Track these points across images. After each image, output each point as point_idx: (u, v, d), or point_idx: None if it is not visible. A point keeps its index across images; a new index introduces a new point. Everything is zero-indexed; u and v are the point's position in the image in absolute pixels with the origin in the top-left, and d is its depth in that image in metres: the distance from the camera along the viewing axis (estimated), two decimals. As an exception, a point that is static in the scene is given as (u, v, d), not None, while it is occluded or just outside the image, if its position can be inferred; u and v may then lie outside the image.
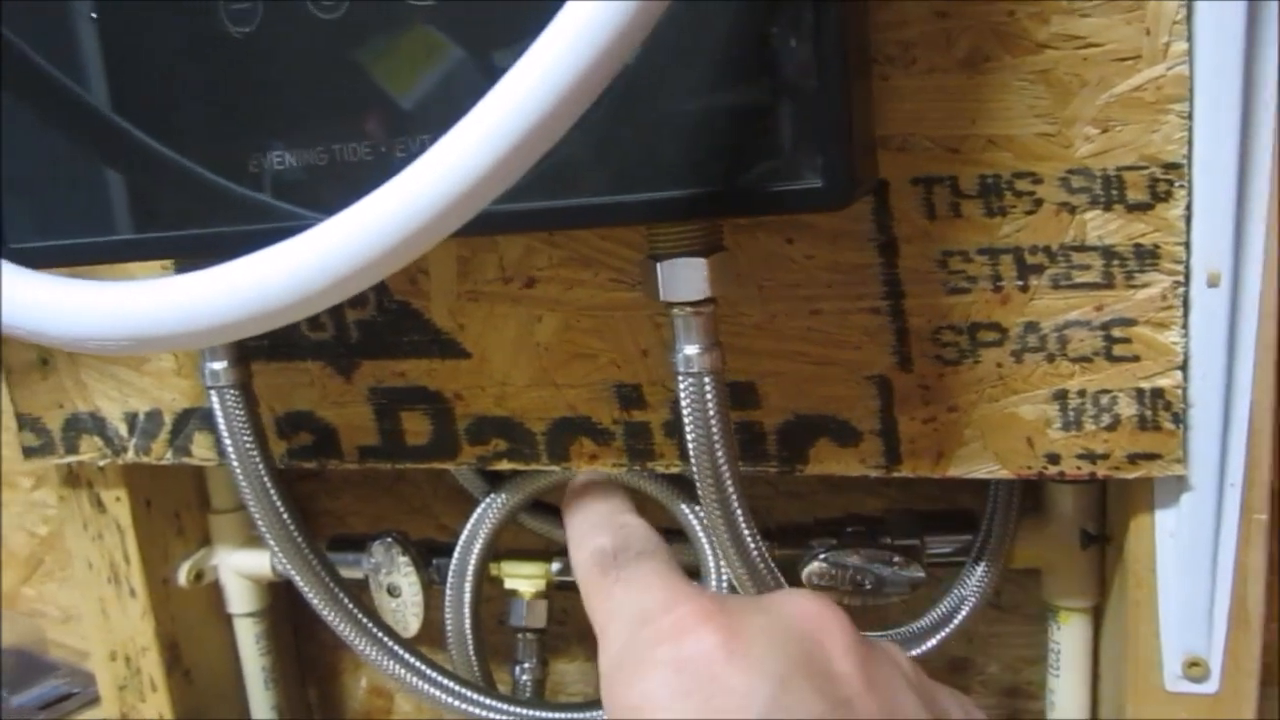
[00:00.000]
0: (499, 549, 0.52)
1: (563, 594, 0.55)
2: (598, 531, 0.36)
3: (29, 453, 0.53)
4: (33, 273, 0.27)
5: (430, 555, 0.54)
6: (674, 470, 0.43)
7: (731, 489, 0.36)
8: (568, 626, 0.60)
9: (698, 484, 0.36)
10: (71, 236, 0.37)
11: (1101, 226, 0.36)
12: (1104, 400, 0.38)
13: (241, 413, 0.41)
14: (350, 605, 0.45)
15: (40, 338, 0.26)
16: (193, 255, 0.36)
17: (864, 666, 0.29)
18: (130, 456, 0.51)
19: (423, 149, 0.31)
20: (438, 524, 0.61)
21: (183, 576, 0.57)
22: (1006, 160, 0.36)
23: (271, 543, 0.43)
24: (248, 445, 0.42)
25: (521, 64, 0.24)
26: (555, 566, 0.53)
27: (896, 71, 0.36)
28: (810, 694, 0.27)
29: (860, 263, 0.38)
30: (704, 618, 0.29)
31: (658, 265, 0.34)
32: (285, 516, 0.42)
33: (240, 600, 0.59)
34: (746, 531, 0.37)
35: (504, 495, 0.48)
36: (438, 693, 0.45)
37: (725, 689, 0.27)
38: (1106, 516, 0.46)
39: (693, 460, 0.36)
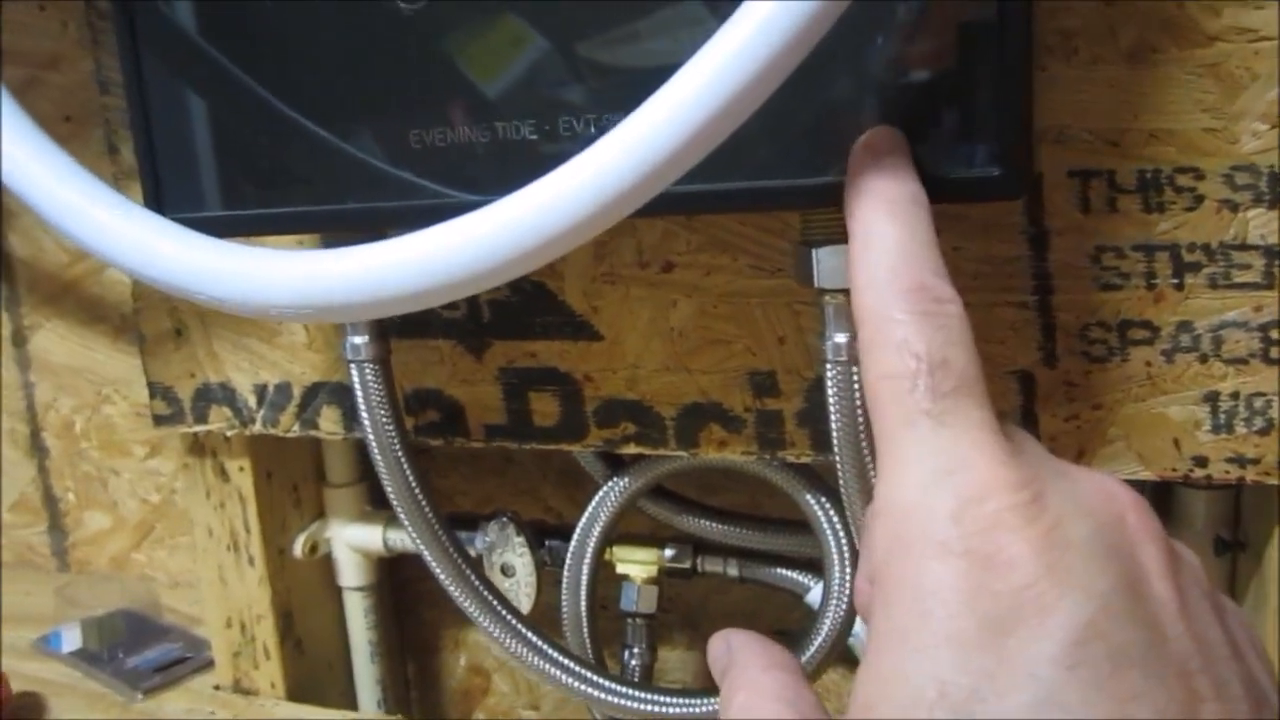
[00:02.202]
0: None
1: (672, 580, 0.55)
2: (905, 320, 0.27)
3: (159, 420, 0.54)
4: (218, 241, 0.28)
5: (540, 537, 0.55)
6: (804, 459, 0.43)
7: (874, 478, 0.36)
8: (672, 614, 0.60)
9: (839, 473, 0.36)
10: (229, 208, 0.38)
11: (1264, 225, 0.35)
12: (1258, 404, 0.37)
13: (380, 387, 0.42)
14: (476, 582, 0.45)
15: (225, 305, 0.27)
16: (351, 229, 0.37)
17: (1179, 588, 0.25)
18: (258, 428, 0.52)
19: (589, 129, 0.31)
20: (545, 506, 0.62)
21: (299, 548, 0.58)
22: (1169, 155, 0.36)
23: (403, 516, 0.44)
24: (384, 420, 0.42)
25: (716, 40, 0.24)
26: (668, 553, 0.53)
27: (1056, 62, 0.36)
28: (1128, 622, 0.24)
29: (1009, 255, 0.38)
30: (1026, 520, 0.25)
31: (814, 251, 0.34)
32: (417, 492, 0.43)
33: (351, 574, 0.60)
34: (887, 523, 0.36)
35: (626, 479, 0.49)
36: (560, 674, 0.45)
37: (1037, 605, 0.24)
38: (1241, 523, 0.45)
39: (836, 449, 0.36)
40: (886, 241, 0.28)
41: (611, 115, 0.32)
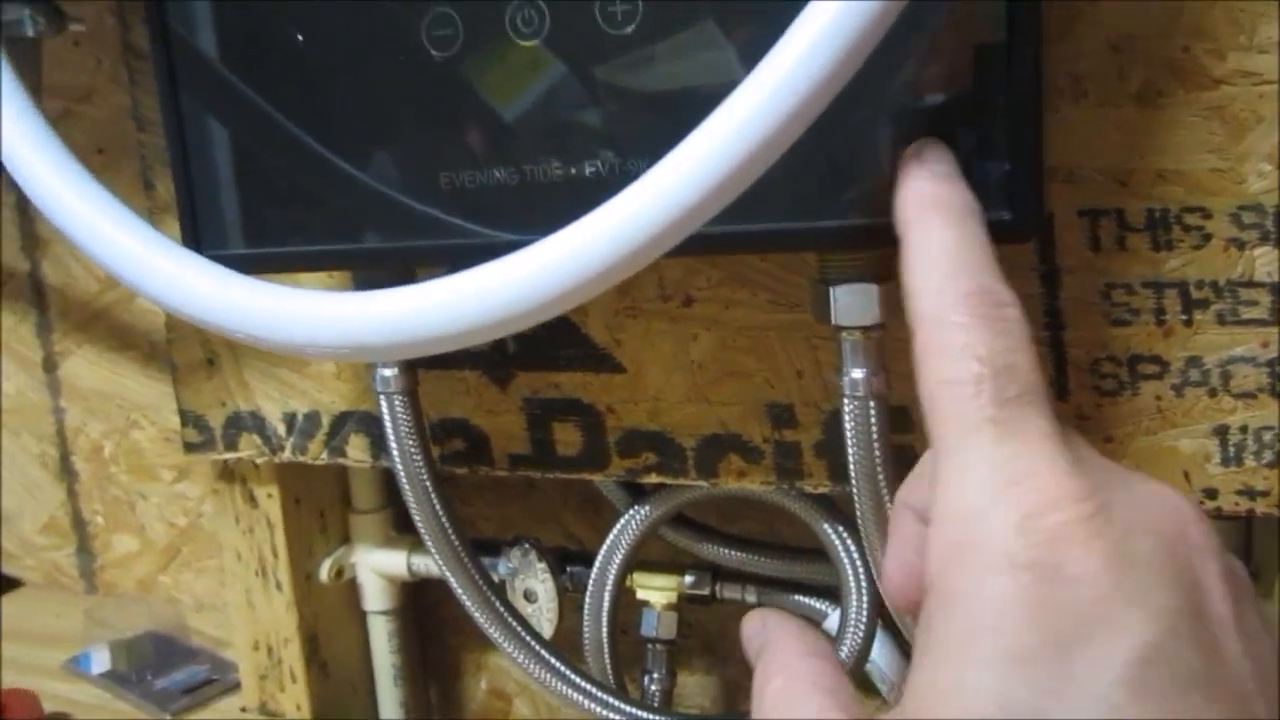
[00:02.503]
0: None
1: (692, 606, 0.56)
2: (966, 324, 0.27)
3: (190, 448, 0.55)
4: (261, 282, 0.29)
5: (562, 562, 0.56)
6: (822, 490, 0.44)
7: (889, 511, 0.37)
8: (692, 640, 0.61)
9: (856, 505, 0.37)
10: (264, 245, 0.39)
11: (1271, 263, 0.36)
12: (1266, 437, 0.38)
13: (408, 418, 0.43)
14: (500, 607, 0.46)
15: (271, 345, 0.28)
16: (381, 266, 0.38)
17: (1236, 606, 0.25)
18: (287, 455, 0.53)
19: (614, 171, 0.32)
20: (566, 532, 0.63)
21: (324, 572, 0.59)
22: (1176, 194, 0.37)
23: (430, 544, 0.45)
24: (412, 450, 0.43)
25: (746, 85, 0.25)
26: (688, 579, 0.54)
27: (1065, 102, 0.37)
28: (1191, 643, 0.23)
29: (1021, 292, 0.38)
30: (1092, 534, 0.24)
31: (831, 289, 0.35)
32: (444, 520, 0.44)
33: (376, 598, 0.61)
34: (902, 553, 0.37)
35: (647, 508, 0.50)
36: (581, 698, 0.46)
37: (1104, 622, 0.23)
38: (1252, 552, 0.46)
39: (853, 482, 0.37)
40: (943, 245, 0.28)
41: (636, 157, 0.33)
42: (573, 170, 0.34)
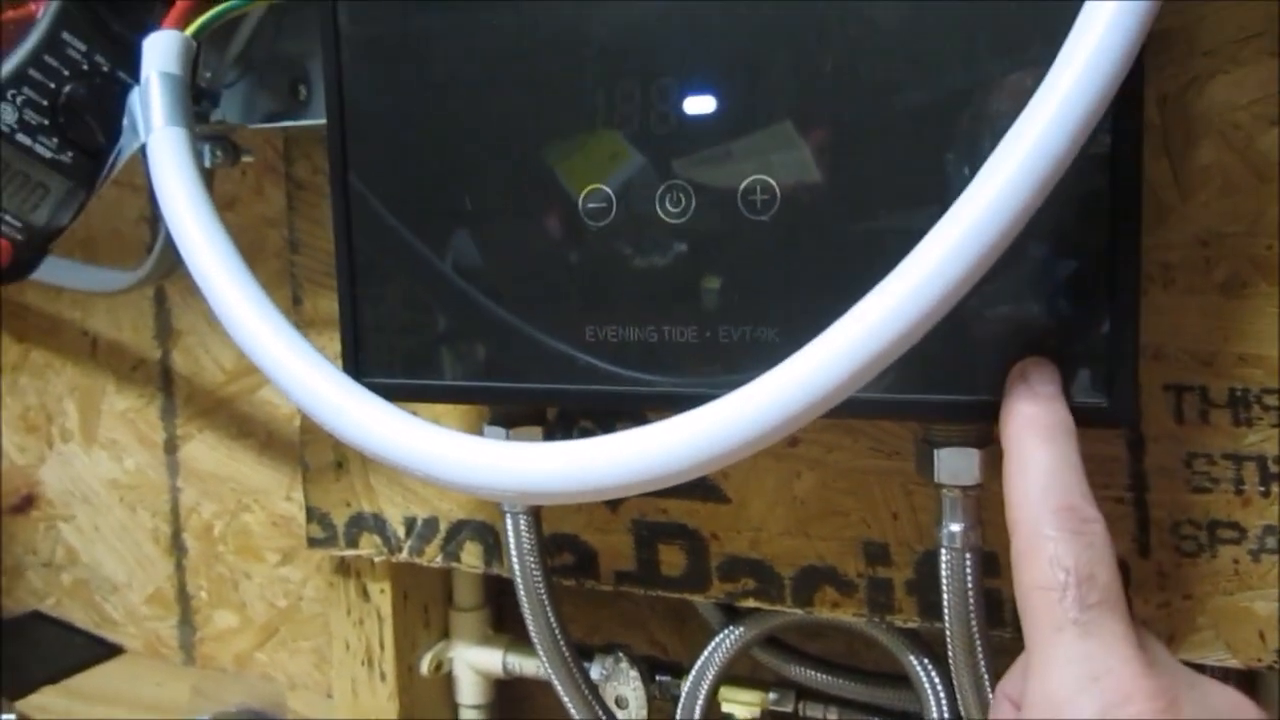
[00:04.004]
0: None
1: (773, 720, 0.59)
2: (1056, 536, 0.31)
3: (313, 543, 0.59)
4: (430, 425, 0.33)
5: (650, 671, 0.59)
6: (911, 625, 0.47)
7: (980, 654, 0.40)
8: (769, 751, 0.63)
9: (949, 644, 0.40)
10: (420, 378, 0.43)
11: (1346, 444, 0.39)
12: (1338, 605, 0.40)
13: (531, 536, 0.47)
14: (600, 713, 0.49)
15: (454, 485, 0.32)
16: (526, 404, 0.43)
17: None
18: (404, 556, 0.57)
19: (742, 337, 0.37)
20: (652, 639, 0.66)
21: (425, 665, 0.63)
22: (1257, 376, 0.40)
23: (540, 649, 0.48)
24: (532, 565, 0.47)
25: (896, 274, 0.29)
26: (771, 696, 0.56)
27: (1155, 288, 0.40)
28: None
29: (1109, 455, 0.42)
30: None
31: (936, 451, 0.38)
32: (556, 630, 0.48)
33: (470, 692, 0.65)
34: (990, 693, 0.40)
35: (742, 629, 0.53)
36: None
37: None
38: (1323, 708, 0.48)
39: (947, 626, 0.40)
40: (1040, 464, 0.32)
41: (765, 326, 0.37)
42: (707, 334, 0.38)
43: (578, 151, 0.39)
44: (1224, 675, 0.48)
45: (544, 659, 0.48)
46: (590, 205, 0.39)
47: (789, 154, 0.36)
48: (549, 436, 0.47)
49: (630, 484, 0.31)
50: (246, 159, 0.55)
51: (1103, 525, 0.32)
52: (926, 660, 0.49)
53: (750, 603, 0.49)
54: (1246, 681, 0.49)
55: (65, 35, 0.44)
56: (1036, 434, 0.33)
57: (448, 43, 0.41)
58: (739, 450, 0.30)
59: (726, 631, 0.53)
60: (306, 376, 0.35)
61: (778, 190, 0.37)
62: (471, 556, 0.56)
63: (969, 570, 0.39)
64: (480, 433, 0.46)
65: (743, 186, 0.37)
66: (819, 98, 0.36)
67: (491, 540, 0.55)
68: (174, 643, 0.87)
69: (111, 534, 0.87)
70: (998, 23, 0.34)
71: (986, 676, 0.40)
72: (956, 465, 0.38)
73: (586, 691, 0.49)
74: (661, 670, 0.60)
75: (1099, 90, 0.29)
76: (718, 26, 0.37)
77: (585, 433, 0.50)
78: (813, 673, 0.55)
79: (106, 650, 0.88)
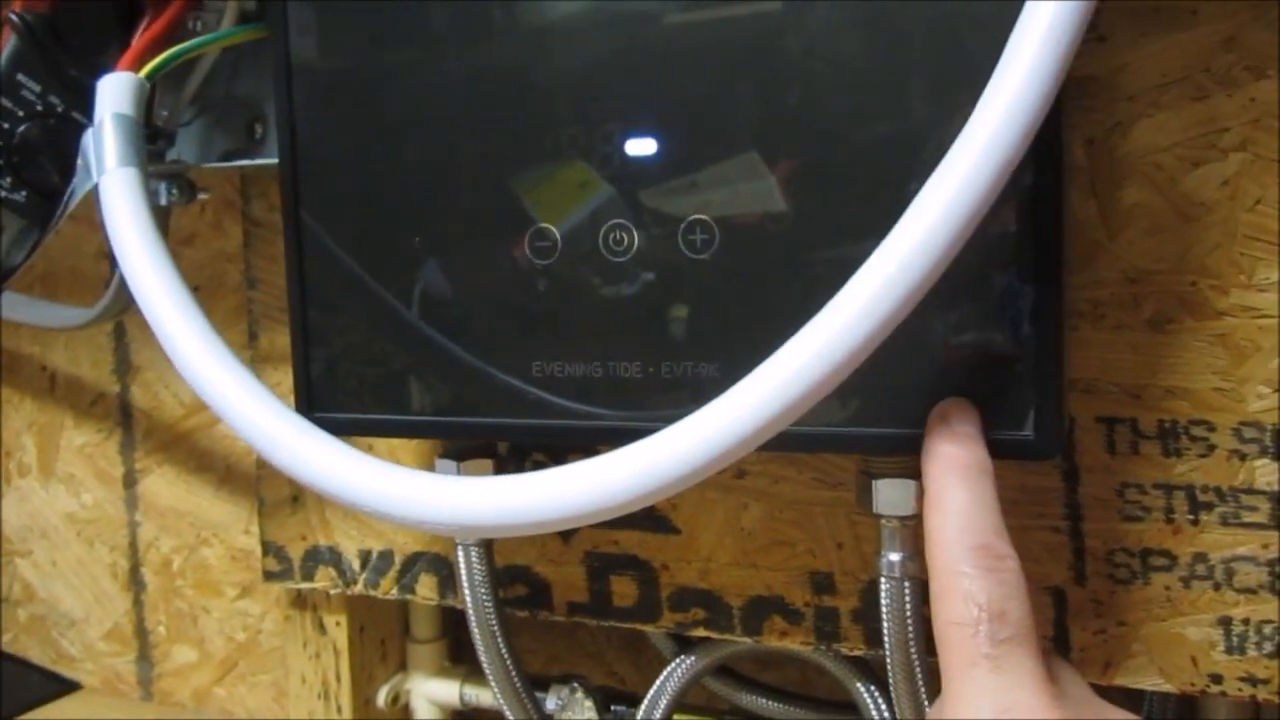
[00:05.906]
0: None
1: (727, 750, 0.59)
2: (971, 574, 0.32)
3: (269, 576, 0.60)
4: (377, 461, 0.34)
5: (606, 701, 0.59)
6: (858, 653, 0.48)
7: (920, 680, 0.40)
8: (724, 781, 0.64)
9: (889, 671, 0.41)
10: (371, 412, 0.44)
11: (1270, 474, 0.40)
12: (1267, 630, 0.41)
13: (483, 568, 0.48)
14: (553, 747, 0.50)
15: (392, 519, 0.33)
16: (473, 438, 0.43)
17: None
18: (359, 589, 0.57)
19: (686, 373, 0.37)
20: (609, 670, 0.66)
21: (382, 698, 0.63)
22: (1184, 409, 0.41)
23: (493, 682, 0.49)
24: (484, 597, 0.48)
25: (827, 311, 0.30)
26: (725, 725, 0.57)
27: (1086, 324, 0.42)
28: None
29: (1045, 486, 0.43)
30: None
31: (874, 482, 0.39)
32: (508, 661, 0.48)
33: (427, 725, 0.65)
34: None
35: (693, 658, 0.53)
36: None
37: None
38: (1259, 732, 0.49)
39: (887, 653, 0.40)
40: (956, 505, 0.33)
41: (707, 362, 0.38)
42: (650, 369, 0.39)
43: (528, 189, 0.40)
44: (1164, 700, 0.49)
45: (496, 690, 0.49)
46: (537, 244, 0.40)
47: (728, 192, 0.38)
48: (501, 470, 0.48)
49: (569, 518, 0.31)
50: (203, 196, 0.56)
51: (1016, 563, 0.33)
52: (873, 687, 0.50)
53: (701, 632, 0.50)
54: (1189, 704, 0.50)
55: (20, 77, 0.45)
56: (955, 474, 0.34)
57: (397, 82, 0.42)
58: (676, 484, 0.31)
59: (678, 661, 0.54)
60: (255, 414, 0.36)
61: (716, 230, 0.38)
62: (426, 589, 0.56)
63: (908, 598, 0.40)
64: (433, 467, 0.47)
65: (683, 226, 0.38)
66: (762, 137, 0.37)
67: (446, 572, 0.55)
68: (132, 679, 0.86)
69: (69, 569, 0.87)
70: (935, 66, 0.35)
71: (927, 703, 0.41)
72: (894, 496, 0.39)
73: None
74: (617, 700, 0.60)
75: (1022, 128, 0.30)
76: (658, 73, 0.38)
77: (538, 465, 0.51)
78: (765, 701, 0.55)
79: (64, 687, 0.88)
